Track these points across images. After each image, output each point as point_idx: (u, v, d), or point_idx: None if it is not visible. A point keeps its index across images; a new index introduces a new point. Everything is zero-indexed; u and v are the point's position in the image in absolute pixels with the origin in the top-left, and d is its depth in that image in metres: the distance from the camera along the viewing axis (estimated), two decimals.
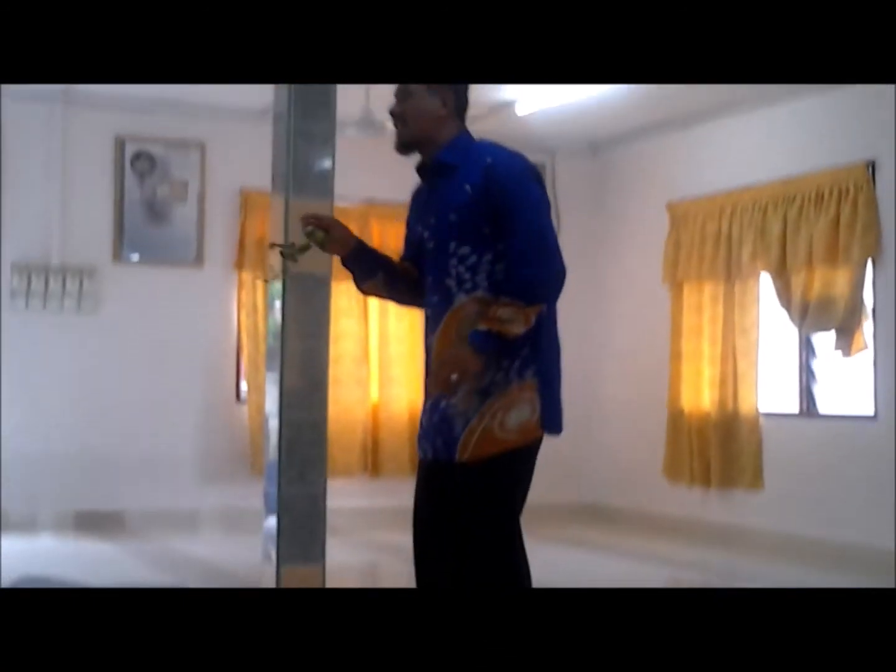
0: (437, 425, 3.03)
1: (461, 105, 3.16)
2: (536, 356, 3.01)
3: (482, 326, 2.90)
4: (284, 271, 4.00)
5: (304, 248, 3.10)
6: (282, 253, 3.43)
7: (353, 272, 3.23)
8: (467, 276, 2.99)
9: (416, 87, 3.09)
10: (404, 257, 3.25)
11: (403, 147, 3.16)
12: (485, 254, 2.99)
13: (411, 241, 3.21)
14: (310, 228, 3.08)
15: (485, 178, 2.99)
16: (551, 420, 3.04)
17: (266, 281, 4.63)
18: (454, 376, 2.90)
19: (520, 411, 2.96)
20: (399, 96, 3.13)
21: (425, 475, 3.14)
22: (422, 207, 3.18)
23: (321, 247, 3.13)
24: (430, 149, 3.13)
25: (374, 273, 3.19)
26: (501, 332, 2.89)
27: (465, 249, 3.00)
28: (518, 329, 2.91)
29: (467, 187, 3.00)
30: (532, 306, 2.92)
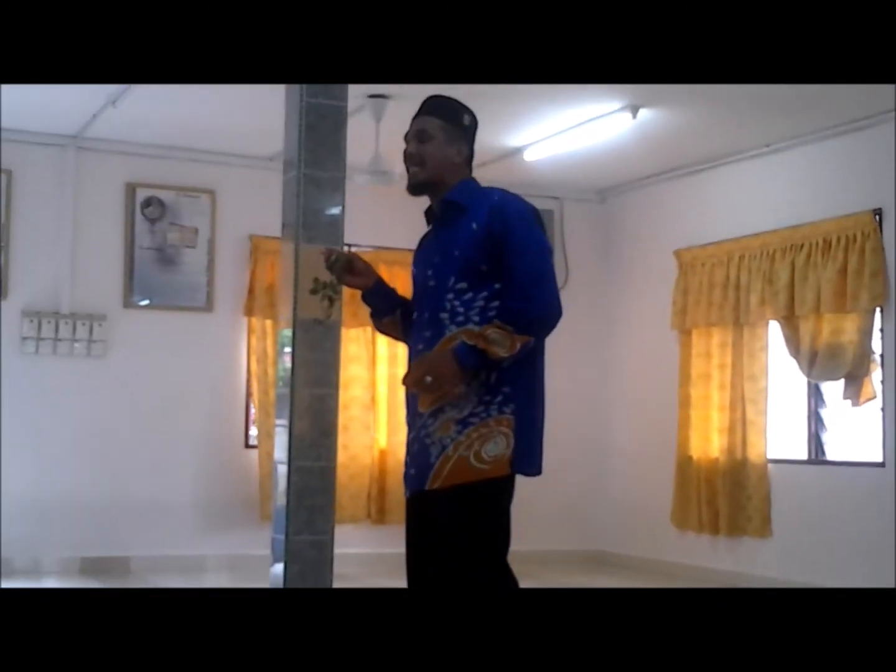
0: (414, 455, 3.12)
1: (472, 157, 3.26)
2: (518, 396, 3.06)
3: (469, 341, 2.98)
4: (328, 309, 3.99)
5: (329, 286, 3.14)
6: (312, 290, 3.47)
7: (373, 306, 3.32)
8: (461, 310, 3.07)
9: (436, 132, 3.18)
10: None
11: (416, 188, 3.24)
12: (480, 291, 3.06)
13: (415, 283, 3.27)
14: (334, 257, 3.17)
15: (490, 215, 3.08)
16: (527, 460, 3.08)
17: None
18: (428, 378, 2.97)
19: (495, 444, 3.01)
20: (418, 138, 3.20)
21: (407, 507, 3.22)
22: (428, 249, 3.25)
23: (339, 279, 3.22)
24: (439, 192, 3.21)
25: (392, 310, 3.29)
26: (486, 351, 2.96)
27: (462, 285, 3.07)
28: (502, 352, 2.97)
29: (474, 225, 3.09)
30: (521, 335, 2.97)
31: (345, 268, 3.20)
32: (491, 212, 3.08)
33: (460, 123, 3.20)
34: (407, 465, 3.18)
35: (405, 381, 3.07)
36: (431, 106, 3.24)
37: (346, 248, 4.50)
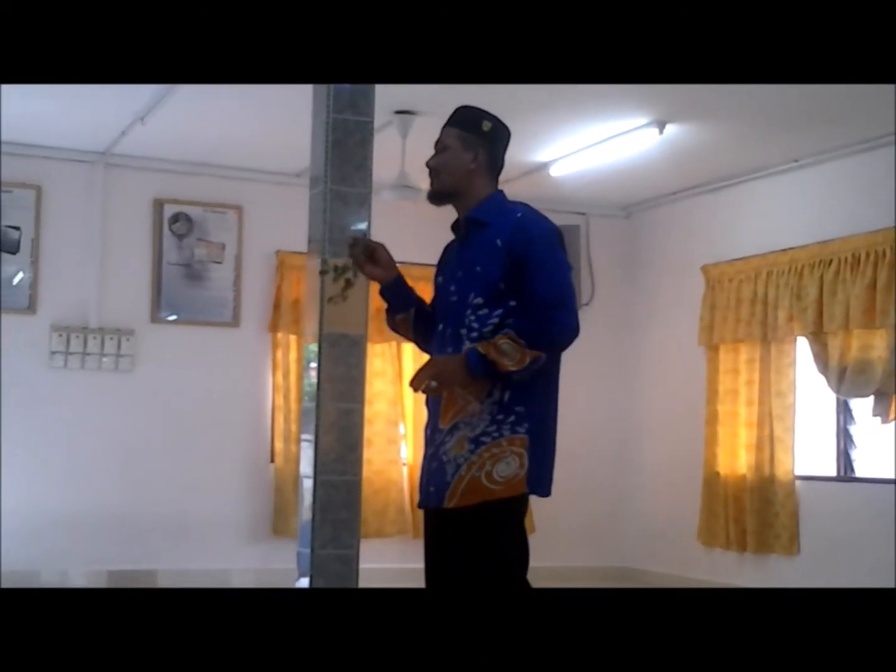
0: (433, 471, 3.11)
1: (496, 165, 3.25)
2: (532, 416, 3.05)
3: (481, 349, 2.98)
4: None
5: (344, 270, 3.13)
6: (321, 271, 3.45)
7: (389, 302, 3.31)
8: (476, 325, 3.07)
9: (451, 142, 3.20)
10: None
11: (434, 198, 3.26)
12: (496, 308, 3.06)
13: (438, 295, 3.27)
14: (354, 239, 3.16)
15: (512, 233, 3.08)
16: (539, 481, 3.07)
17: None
18: (433, 383, 2.99)
19: (507, 465, 3.00)
20: (436, 149, 3.23)
21: (426, 521, 3.21)
22: (451, 263, 3.25)
23: (360, 266, 3.20)
24: (463, 205, 3.22)
25: (408, 307, 3.29)
26: (495, 362, 2.96)
27: (479, 300, 3.08)
28: (511, 365, 2.96)
29: (498, 242, 3.09)
30: (532, 349, 2.97)
31: (365, 253, 3.19)
32: (514, 229, 3.08)
33: (478, 130, 3.19)
34: (424, 479, 3.18)
35: (412, 382, 3.06)
36: (452, 116, 3.26)
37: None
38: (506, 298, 3.05)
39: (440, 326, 3.19)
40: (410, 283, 3.31)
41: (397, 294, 3.28)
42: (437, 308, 3.24)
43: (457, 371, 3.01)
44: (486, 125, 3.21)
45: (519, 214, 3.13)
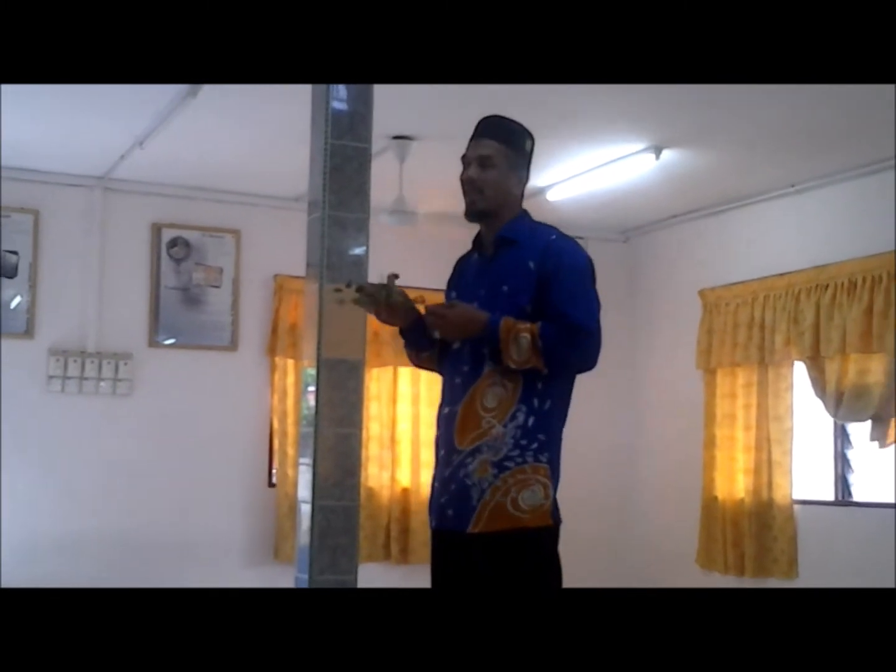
0: (452, 494, 3.04)
1: (525, 184, 3.20)
2: (552, 445, 3.02)
3: (503, 327, 2.92)
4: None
5: (361, 291, 3.07)
6: (337, 289, 3.41)
7: (411, 342, 3.25)
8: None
9: (498, 159, 3.09)
10: None
11: (476, 216, 3.16)
12: None
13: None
14: (360, 287, 3.09)
15: (543, 254, 3.02)
16: (557, 512, 3.04)
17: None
18: (436, 332, 2.98)
19: (533, 493, 2.95)
20: (480, 163, 3.10)
21: (439, 544, 3.14)
22: (470, 279, 3.18)
23: (376, 316, 3.13)
24: (497, 221, 3.13)
25: (432, 345, 3.20)
26: (504, 344, 2.91)
27: None
28: (514, 358, 2.91)
29: (531, 264, 3.02)
30: (545, 361, 2.91)
31: (377, 301, 3.08)
32: (548, 253, 3.02)
33: (522, 149, 3.12)
34: (439, 500, 3.10)
35: (426, 315, 3.01)
36: (494, 128, 3.13)
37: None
38: (530, 320, 2.98)
39: (456, 344, 3.11)
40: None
41: (420, 334, 3.18)
42: None
43: (467, 329, 2.97)
44: (529, 144, 3.14)
45: (553, 237, 3.07)
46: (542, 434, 2.98)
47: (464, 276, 3.24)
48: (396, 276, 3.12)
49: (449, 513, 3.05)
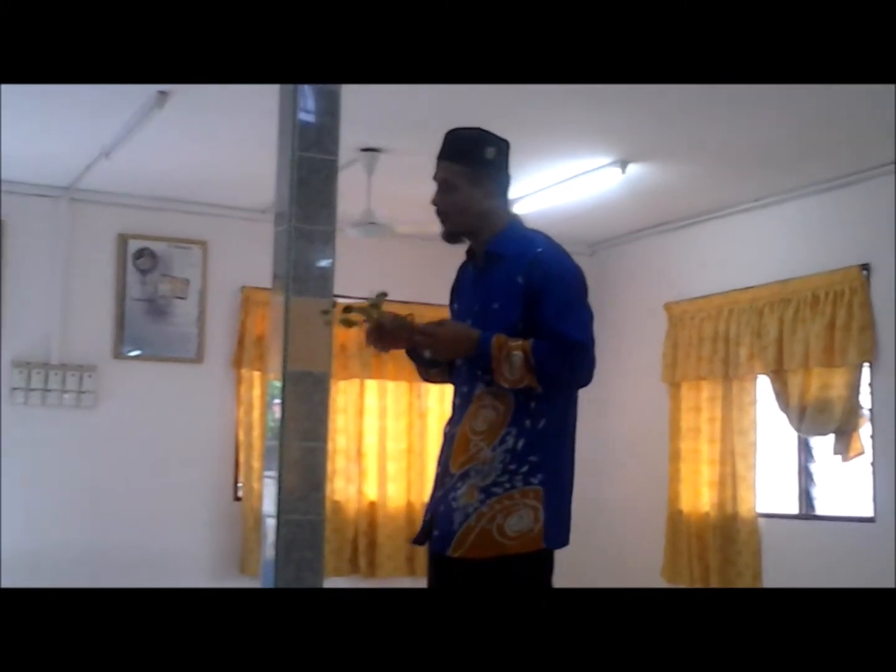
0: (439, 515, 2.99)
1: (506, 186, 3.13)
2: (547, 465, 2.93)
3: (495, 345, 2.86)
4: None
5: (350, 313, 3.02)
6: (324, 311, 3.37)
7: (417, 361, 3.19)
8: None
9: (458, 180, 3.04)
10: None
11: (449, 238, 3.12)
12: None
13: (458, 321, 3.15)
14: (379, 295, 3.02)
15: (532, 268, 2.95)
16: (557, 533, 2.95)
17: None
18: (427, 353, 2.93)
19: (520, 519, 2.88)
20: (440, 188, 3.07)
21: (430, 563, 3.10)
22: (468, 294, 3.13)
23: (375, 347, 3.07)
24: (480, 237, 3.08)
25: (440, 362, 3.14)
26: (496, 363, 2.85)
27: None
28: (506, 376, 2.85)
29: (519, 279, 2.95)
30: (539, 379, 2.86)
31: (377, 336, 3.00)
32: (532, 264, 2.95)
33: (482, 161, 3.03)
34: (430, 520, 3.05)
35: (416, 334, 2.97)
36: (448, 147, 3.08)
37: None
38: (523, 337, 2.91)
39: (458, 361, 3.06)
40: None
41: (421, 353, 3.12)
42: None
43: (458, 348, 2.91)
44: (490, 152, 3.05)
45: (539, 249, 2.99)
46: (535, 455, 2.90)
47: (462, 289, 3.18)
48: (385, 295, 3.04)
49: (435, 534, 3.01)
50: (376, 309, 3.03)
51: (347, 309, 3.07)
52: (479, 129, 3.12)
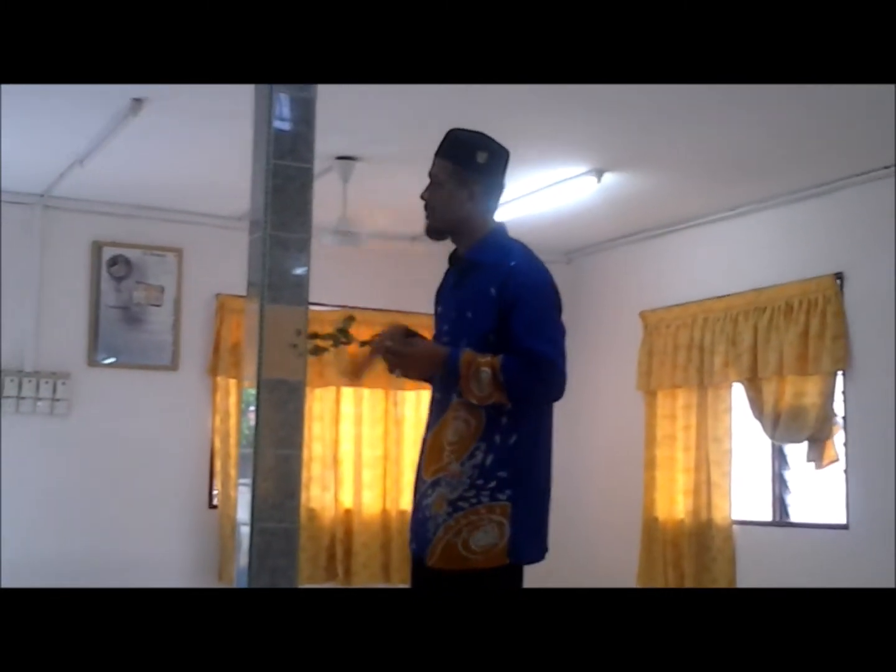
0: (417, 522, 3.03)
1: (495, 194, 3.14)
2: (515, 481, 2.92)
3: (462, 362, 2.86)
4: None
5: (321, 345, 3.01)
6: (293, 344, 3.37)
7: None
8: None
9: (444, 177, 3.07)
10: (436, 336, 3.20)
11: (431, 234, 3.14)
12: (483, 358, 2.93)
13: (436, 327, 3.16)
14: (347, 319, 3.05)
15: (504, 281, 2.95)
16: (525, 548, 2.95)
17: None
18: (398, 370, 2.96)
19: (485, 534, 2.88)
20: (431, 182, 3.10)
21: (412, 563, 3.12)
22: (447, 299, 3.14)
23: (390, 369, 3.08)
24: (462, 241, 3.10)
25: None
26: (465, 380, 2.86)
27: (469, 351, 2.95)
28: (475, 393, 2.85)
29: (492, 291, 2.96)
30: (508, 395, 2.86)
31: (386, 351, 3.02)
32: (507, 277, 2.95)
33: (472, 163, 3.05)
34: (411, 525, 3.09)
35: (377, 348, 3.00)
36: (444, 145, 3.12)
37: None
38: (494, 349, 2.92)
39: None
40: (354, 329, 3.23)
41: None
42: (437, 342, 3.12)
43: (427, 368, 2.93)
44: (482, 156, 3.07)
45: (513, 263, 2.99)
46: (503, 471, 2.90)
47: (444, 293, 3.18)
48: (353, 319, 3.11)
49: (415, 539, 3.05)
50: (344, 334, 3.03)
51: (313, 336, 3.08)
52: (479, 133, 3.16)
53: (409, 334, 3.11)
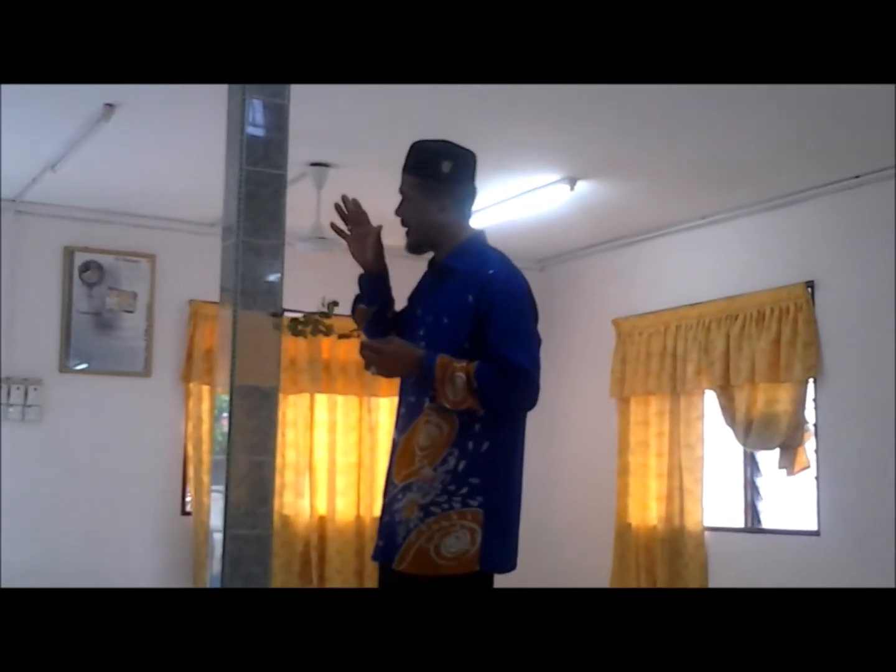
0: (386, 525, 3.01)
1: (467, 200, 3.13)
2: (488, 488, 2.92)
3: (438, 366, 2.88)
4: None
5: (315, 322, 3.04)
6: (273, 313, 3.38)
7: (361, 289, 3.23)
8: None
9: (413, 194, 3.07)
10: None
11: (411, 249, 3.14)
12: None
13: (408, 329, 3.14)
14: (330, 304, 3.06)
15: (481, 290, 2.96)
16: (497, 556, 2.94)
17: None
18: (373, 368, 2.95)
19: (457, 540, 2.88)
20: (402, 200, 3.11)
21: (379, 571, 3.10)
22: (423, 302, 3.13)
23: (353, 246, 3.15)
24: (441, 249, 3.11)
25: (371, 303, 3.16)
26: (439, 384, 2.87)
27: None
28: (449, 398, 2.86)
29: (470, 298, 2.96)
30: (481, 401, 2.87)
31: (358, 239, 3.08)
32: (484, 285, 2.95)
33: (437, 175, 3.04)
34: (378, 530, 3.07)
35: (364, 347, 2.97)
36: (408, 159, 3.11)
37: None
38: (470, 356, 2.91)
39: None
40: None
41: (372, 286, 3.18)
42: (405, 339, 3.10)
43: (403, 367, 2.93)
44: (447, 166, 3.04)
45: (491, 271, 2.99)
46: (476, 478, 2.89)
47: (420, 296, 3.18)
48: (336, 304, 3.08)
49: (380, 544, 3.02)
50: (325, 319, 3.04)
51: (296, 320, 3.08)
52: (442, 142, 3.14)
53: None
